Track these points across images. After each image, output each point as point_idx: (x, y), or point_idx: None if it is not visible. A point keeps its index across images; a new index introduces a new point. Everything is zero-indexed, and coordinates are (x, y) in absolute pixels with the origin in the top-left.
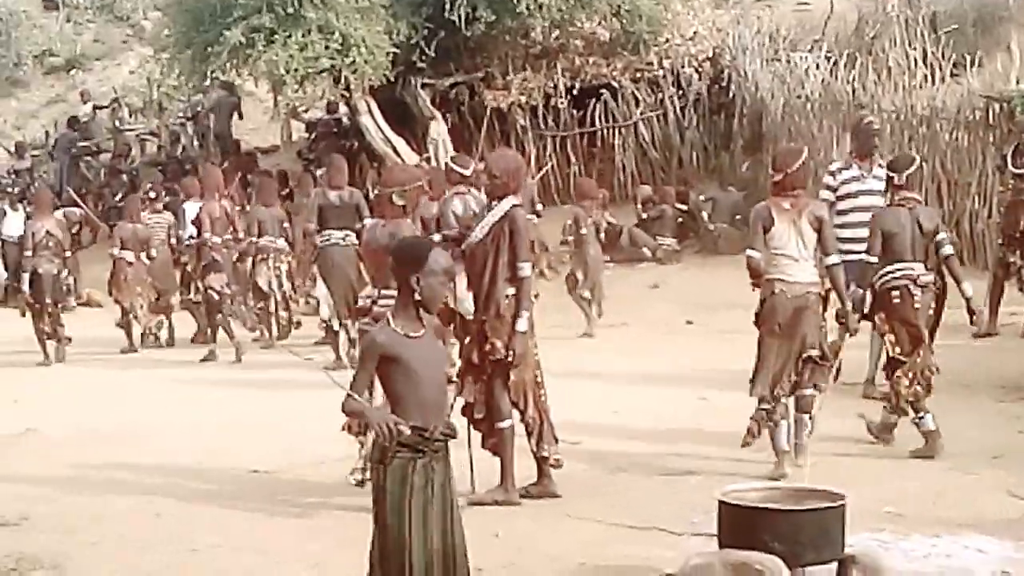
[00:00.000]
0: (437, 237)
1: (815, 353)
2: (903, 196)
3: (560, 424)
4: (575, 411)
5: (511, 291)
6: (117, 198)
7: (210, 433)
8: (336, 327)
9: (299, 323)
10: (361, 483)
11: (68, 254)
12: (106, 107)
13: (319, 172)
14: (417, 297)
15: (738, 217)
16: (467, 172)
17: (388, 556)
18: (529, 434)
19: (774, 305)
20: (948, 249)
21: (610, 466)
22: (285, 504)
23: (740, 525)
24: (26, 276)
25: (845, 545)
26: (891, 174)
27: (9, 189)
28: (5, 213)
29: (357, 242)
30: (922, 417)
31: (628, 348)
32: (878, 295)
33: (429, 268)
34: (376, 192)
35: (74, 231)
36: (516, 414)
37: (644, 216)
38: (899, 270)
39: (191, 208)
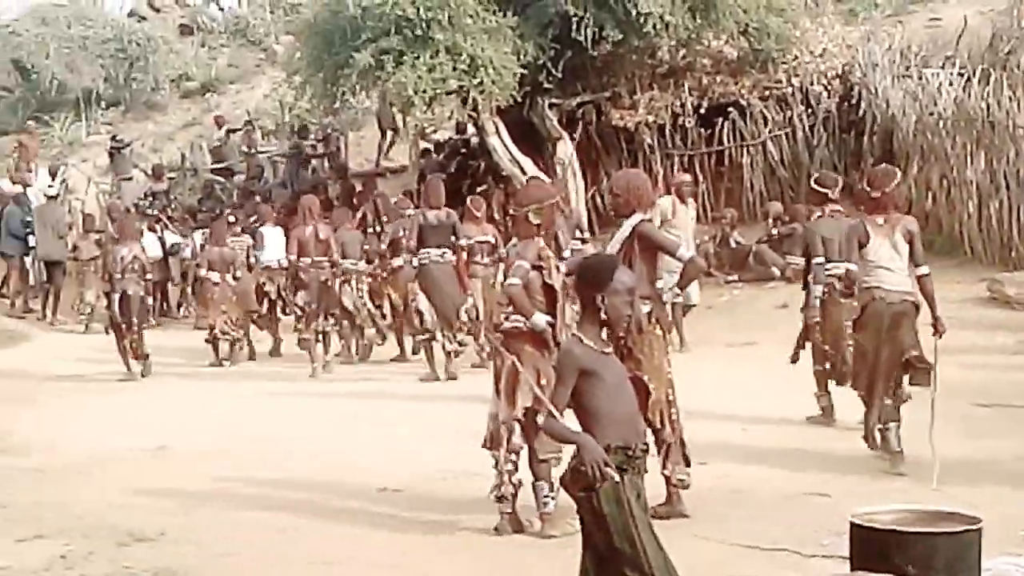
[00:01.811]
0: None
1: (915, 354)
2: (833, 208)
3: (688, 440)
4: (703, 430)
5: (647, 307)
6: (251, 220)
7: (335, 449)
8: (438, 338)
9: (384, 337)
10: (500, 499)
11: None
12: (239, 130)
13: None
14: (603, 316)
15: None
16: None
17: None
18: (660, 453)
19: (874, 311)
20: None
21: (738, 486)
22: (413, 520)
23: (872, 547)
24: (116, 297)
25: (981, 569)
26: (824, 190)
27: (148, 211)
28: (142, 234)
29: (453, 259)
30: (826, 394)
31: (756, 368)
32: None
33: (613, 288)
34: (511, 211)
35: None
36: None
37: (774, 233)
38: (828, 271)
39: (268, 232)
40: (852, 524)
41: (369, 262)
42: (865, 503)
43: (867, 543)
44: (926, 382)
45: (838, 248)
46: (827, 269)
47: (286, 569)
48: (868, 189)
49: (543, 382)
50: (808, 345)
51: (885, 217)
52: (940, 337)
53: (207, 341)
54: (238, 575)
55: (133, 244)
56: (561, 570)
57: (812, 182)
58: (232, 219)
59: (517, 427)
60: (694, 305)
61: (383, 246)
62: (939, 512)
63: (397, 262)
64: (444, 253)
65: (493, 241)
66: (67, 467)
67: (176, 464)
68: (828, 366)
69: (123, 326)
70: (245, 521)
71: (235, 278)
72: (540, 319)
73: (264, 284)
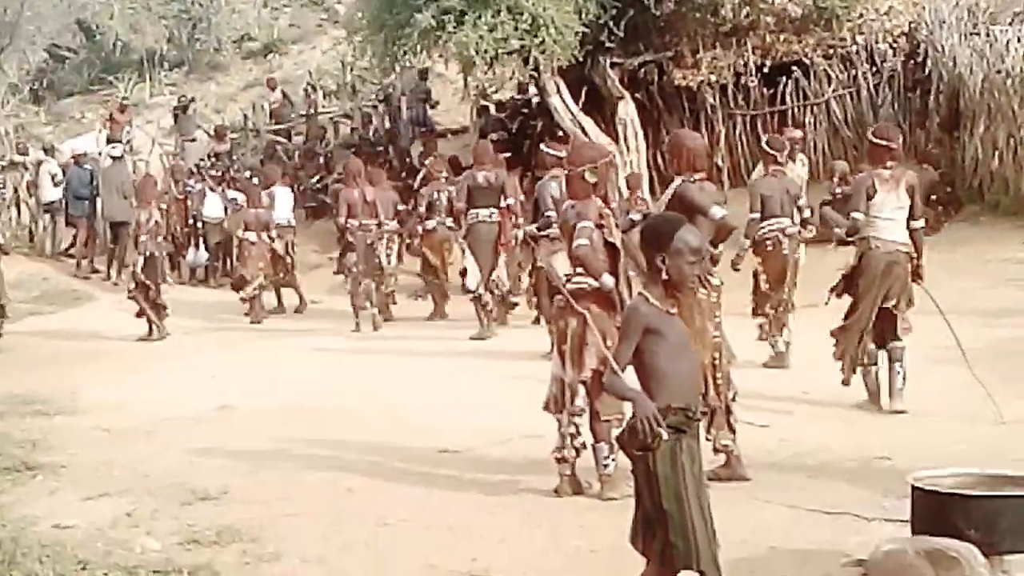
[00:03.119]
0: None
1: (895, 304)
2: (775, 168)
3: (750, 406)
4: (765, 393)
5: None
6: (313, 180)
7: (396, 409)
8: (483, 296)
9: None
10: (560, 460)
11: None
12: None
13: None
14: (664, 277)
15: (933, 197)
16: (561, 155)
17: (672, 543)
18: (705, 417)
19: (870, 259)
20: (807, 213)
21: (800, 450)
22: (473, 481)
23: (934, 511)
24: (140, 259)
25: None
26: (773, 152)
27: (210, 172)
28: (206, 195)
29: (500, 219)
30: (775, 339)
31: (817, 330)
32: (756, 243)
33: (675, 247)
34: (567, 172)
35: None
36: None
37: (837, 193)
38: (770, 225)
39: (279, 192)
40: (913, 488)
41: (401, 223)
42: (927, 467)
43: (929, 507)
44: (906, 330)
45: (779, 205)
46: (770, 224)
47: (347, 529)
48: (877, 143)
49: (608, 343)
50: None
51: (891, 171)
52: (921, 282)
53: (243, 300)
54: (300, 534)
55: (153, 208)
56: (620, 532)
57: (871, 135)
58: (255, 180)
59: (581, 389)
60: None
61: (421, 208)
62: (1002, 476)
63: (430, 224)
64: (492, 213)
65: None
66: (132, 427)
67: (239, 424)
68: (772, 312)
69: (148, 287)
70: (308, 481)
71: (270, 238)
72: (609, 279)
73: (272, 241)
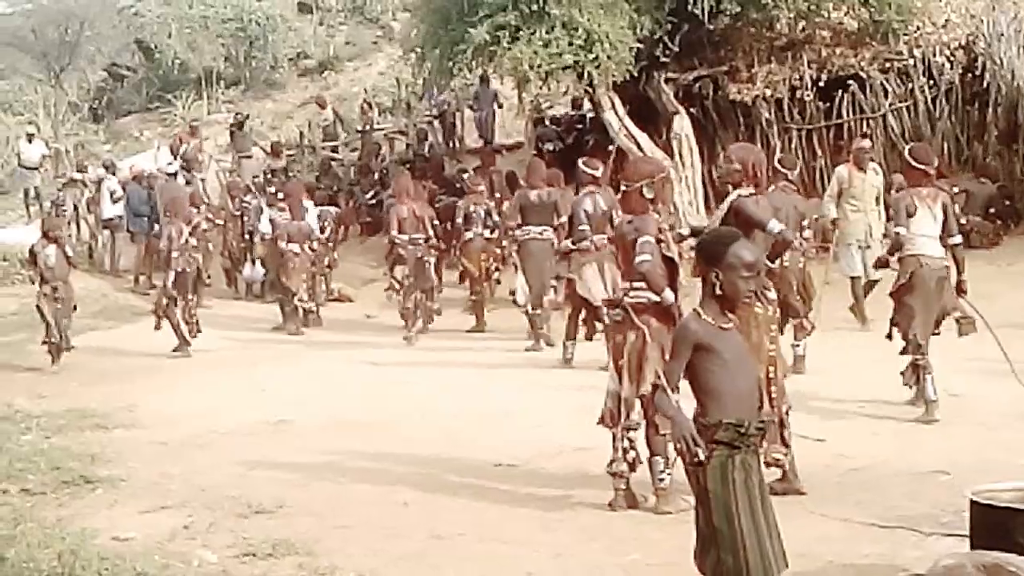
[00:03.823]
0: (686, 231)
1: (959, 314)
2: (783, 184)
3: (807, 419)
4: (822, 407)
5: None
6: (367, 196)
7: (451, 422)
8: (532, 313)
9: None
10: (615, 474)
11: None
12: (352, 113)
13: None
14: (718, 292)
15: (992, 211)
16: (597, 173)
17: (722, 560)
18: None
19: (921, 277)
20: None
21: (856, 463)
22: (527, 495)
23: (993, 526)
24: (171, 274)
25: None
26: (784, 170)
27: (266, 188)
28: (262, 211)
29: (553, 237)
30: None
31: (873, 344)
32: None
33: (728, 262)
34: (622, 187)
35: (329, 228)
36: None
37: None
38: None
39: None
40: (971, 502)
41: (437, 237)
42: (985, 481)
43: (987, 521)
44: (972, 330)
45: (785, 220)
46: None
47: (402, 542)
48: (915, 166)
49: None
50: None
51: (928, 190)
52: (965, 296)
53: (284, 309)
54: (355, 547)
55: (183, 223)
56: (675, 546)
57: (909, 157)
58: (280, 195)
59: (637, 403)
60: (877, 281)
61: (458, 220)
62: None
63: (468, 235)
64: (545, 231)
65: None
66: (188, 440)
67: (294, 437)
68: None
69: (179, 301)
70: (362, 494)
71: (312, 249)
72: (670, 294)
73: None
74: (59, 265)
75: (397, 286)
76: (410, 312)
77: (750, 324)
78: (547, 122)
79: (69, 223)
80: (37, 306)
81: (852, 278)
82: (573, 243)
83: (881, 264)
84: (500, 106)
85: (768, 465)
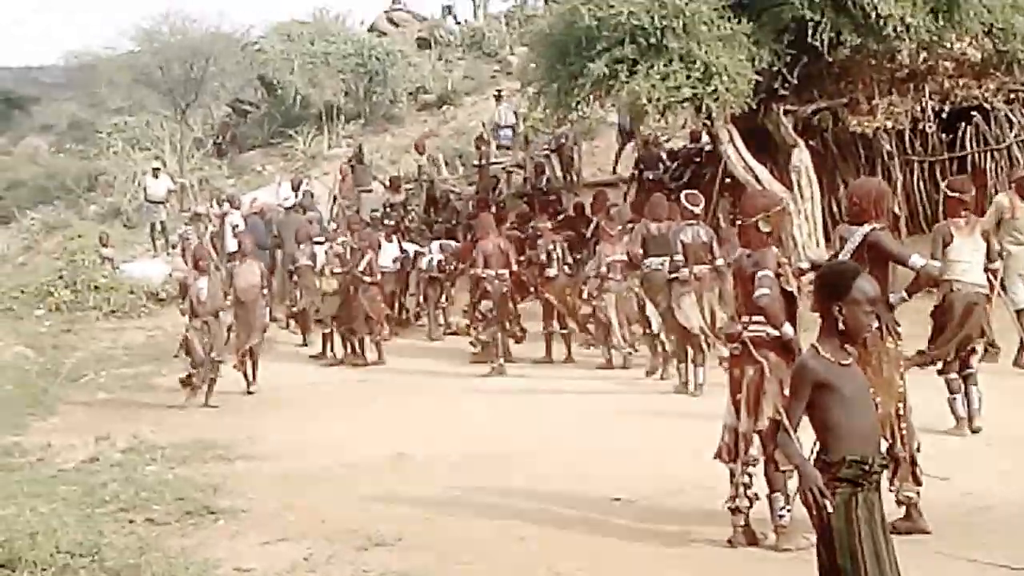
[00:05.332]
0: (805, 265)
1: (982, 341)
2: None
3: (931, 456)
4: (947, 443)
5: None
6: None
7: (565, 455)
8: (660, 337)
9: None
10: (734, 510)
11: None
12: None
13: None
14: (840, 327)
15: None
16: (697, 210)
17: None
18: (889, 469)
19: (951, 300)
20: None
21: (982, 503)
22: (645, 531)
23: None
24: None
25: None
26: (956, 194)
27: (385, 221)
28: (381, 244)
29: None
30: None
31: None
32: None
33: (852, 297)
34: (739, 221)
35: (448, 264)
36: None
37: None
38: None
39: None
40: None
41: (512, 273)
42: None
43: None
44: (995, 360)
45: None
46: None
47: None
48: (951, 195)
49: (787, 392)
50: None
51: (966, 219)
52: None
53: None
54: None
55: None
56: None
57: (946, 187)
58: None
59: (756, 438)
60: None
61: (541, 256)
62: None
63: (551, 272)
64: (664, 263)
65: (627, 259)
66: (309, 472)
67: (414, 470)
68: None
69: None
70: (481, 529)
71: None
72: (789, 328)
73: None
74: (211, 298)
75: (481, 319)
76: (492, 345)
77: (882, 359)
78: (664, 155)
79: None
80: (185, 339)
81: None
82: (670, 272)
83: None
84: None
85: (899, 504)
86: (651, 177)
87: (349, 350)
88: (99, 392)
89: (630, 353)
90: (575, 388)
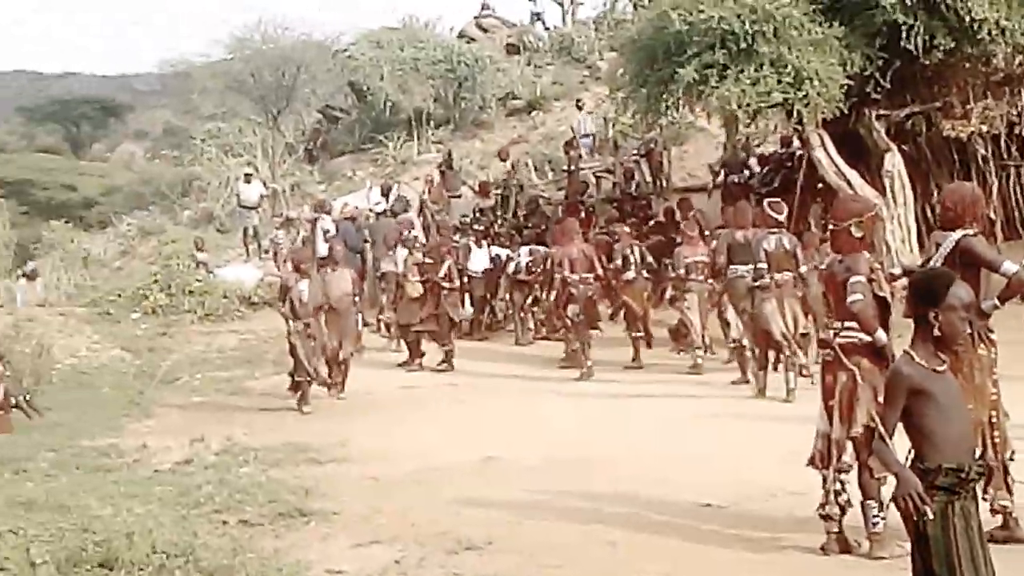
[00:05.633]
0: (897, 270)
1: None
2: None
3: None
4: None
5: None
6: None
7: (652, 459)
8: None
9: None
10: (827, 517)
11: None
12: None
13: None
14: (936, 333)
15: None
16: (780, 218)
17: None
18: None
19: None
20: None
21: None
22: (736, 537)
23: None
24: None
25: None
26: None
27: (475, 226)
28: (471, 249)
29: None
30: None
31: None
32: None
33: (949, 303)
34: (831, 226)
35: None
36: None
37: None
38: None
39: (473, 248)
40: None
41: (598, 278)
42: None
43: None
44: None
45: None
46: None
47: None
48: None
49: (880, 399)
50: None
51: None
52: None
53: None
54: None
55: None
56: None
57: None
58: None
59: (849, 445)
60: None
61: (617, 261)
62: None
63: (629, 275)
64: (748, 270)
65: (707, 260)
66: (399, 475)
67: (501, 474)
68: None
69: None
70: (570, 533)
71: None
72: (882, 335)
73: (471, 291)
74: (312, 300)
75: (569, 324)
76: (580, 349)
77: (974, 366)
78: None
79: (285, 261)
80: (290, 343)
81: None
82: (753, 279)
83: None
84: None
85: (994, 513)
86: (736, 181)
87: (440, 360)
88: (193, 395)
89: (704, 354)
90: (662, 392)
